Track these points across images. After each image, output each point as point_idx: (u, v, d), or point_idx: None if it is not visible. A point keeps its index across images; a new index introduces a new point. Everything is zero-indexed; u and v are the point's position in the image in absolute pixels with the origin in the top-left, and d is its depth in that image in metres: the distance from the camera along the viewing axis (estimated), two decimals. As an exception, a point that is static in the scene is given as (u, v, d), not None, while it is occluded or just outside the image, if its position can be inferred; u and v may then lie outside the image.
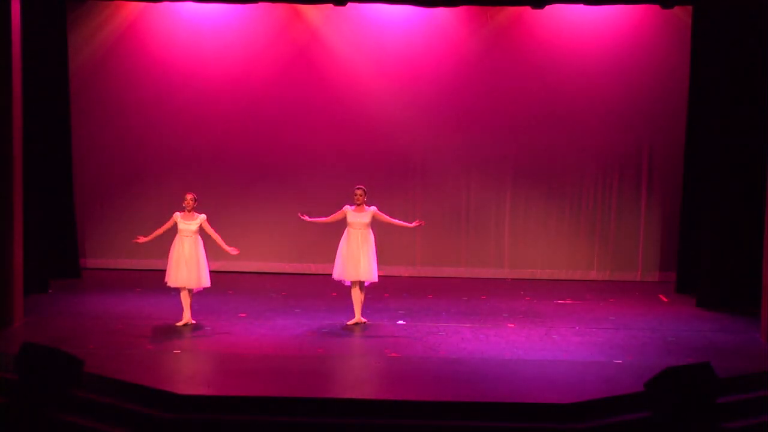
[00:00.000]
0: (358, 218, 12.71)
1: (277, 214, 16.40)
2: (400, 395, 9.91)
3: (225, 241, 12.65)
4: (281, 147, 16.42)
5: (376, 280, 12.86)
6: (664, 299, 14.92)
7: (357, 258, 12.64)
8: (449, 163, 16.42)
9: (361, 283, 12.75)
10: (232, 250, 12.64)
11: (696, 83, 14.98)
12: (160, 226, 12.70)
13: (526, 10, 15.67)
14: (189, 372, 10.93)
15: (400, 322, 13.01)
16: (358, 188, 12.79)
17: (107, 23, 16.23)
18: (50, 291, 14.49)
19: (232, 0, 14.19)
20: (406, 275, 16.45)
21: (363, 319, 12.87)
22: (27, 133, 13.15)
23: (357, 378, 10.77)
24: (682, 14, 15.62)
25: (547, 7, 14.20)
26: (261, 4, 15.08)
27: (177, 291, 12.73)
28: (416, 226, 13.03)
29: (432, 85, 16.27)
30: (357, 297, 12.78)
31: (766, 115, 13.35)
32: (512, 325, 12.96)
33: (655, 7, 15.45)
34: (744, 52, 13.75)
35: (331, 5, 14.57)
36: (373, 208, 12.79)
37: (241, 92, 16.34)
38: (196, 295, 12.86)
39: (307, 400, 9.64)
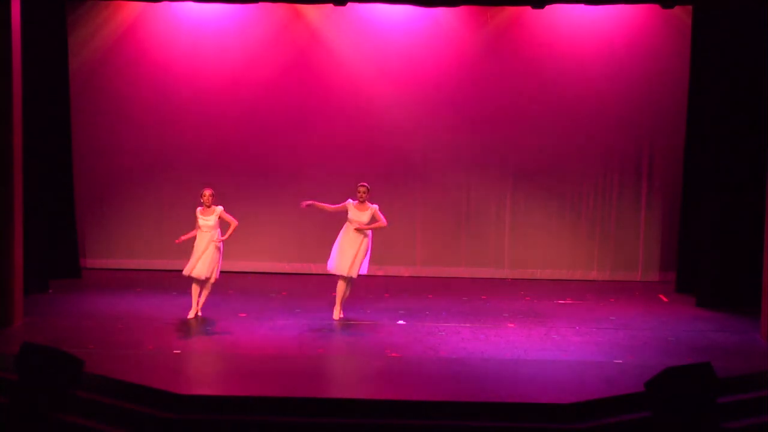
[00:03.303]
0: (357, 216, 12.79)
1: (278, 214, 16.39)
2: (400, 395, 9.91)
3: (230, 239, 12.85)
4: (281, 147, 16.41)
5: (365, 272, 12.99)
6: (664, 299, 14.92)
7: (349, 254, 12.74)
8: (449, 163, 16.41)
9: (348, 279, 12.86)
10: (218, 241, 12.69)
11: (696, 83, 14.98)
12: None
13: (526, 10, 15.66)
14: (189, 372, 10.92)
15: (400, 322, 13.01)
16: (362, 185, 12.89)
17: (107, 24, 16.21)
18: (50, 291, 14.48)
19: (232, 0, 14.18)
20: (406, 275, 16.44)
21: (341, 315, 13.02)
22: (27, 133, 13.14)
23: (357, 378, 10.77)
24: (682, 14, 15.61)
25: (547, 7, 14.19)
26: (261, 5, 15.07)
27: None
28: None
29: (432, 84, 16.26)
30: (340, 291, 12.96)
31: (766, 115, 13.36)
32: (512, 325, 12.95)
33: (655, 7, 15.44)
34: (744, 52, 13.75)
35: (331, 5, 14.56)
36: (375, 207, 12.85)
37: (241, 92, 16.33)
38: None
39: (307, 400, 9.64)
